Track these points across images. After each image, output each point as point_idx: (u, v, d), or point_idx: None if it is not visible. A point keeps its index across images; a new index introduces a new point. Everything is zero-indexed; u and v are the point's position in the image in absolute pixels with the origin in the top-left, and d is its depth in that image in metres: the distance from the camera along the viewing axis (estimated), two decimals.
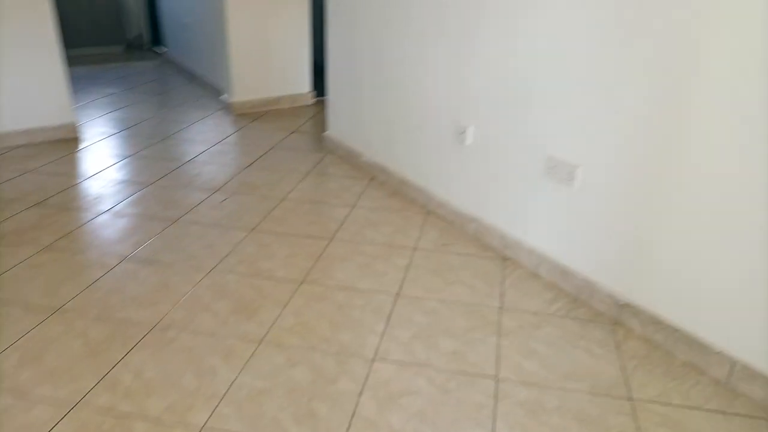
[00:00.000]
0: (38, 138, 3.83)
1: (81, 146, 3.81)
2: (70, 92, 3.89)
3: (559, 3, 2.02)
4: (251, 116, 4.57)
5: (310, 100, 4.94)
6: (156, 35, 7.30)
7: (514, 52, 2.26)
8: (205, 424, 1.56)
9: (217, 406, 1.63)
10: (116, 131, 4.13)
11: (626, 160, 1.91)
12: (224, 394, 1.68)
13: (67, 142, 3.88)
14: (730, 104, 1.58)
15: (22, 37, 3.57)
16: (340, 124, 3.66)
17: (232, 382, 1.72)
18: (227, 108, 4.68)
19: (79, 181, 3.24)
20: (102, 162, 3.53)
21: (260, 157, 3.68)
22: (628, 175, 1.92)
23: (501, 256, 2.50)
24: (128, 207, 2.92)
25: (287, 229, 2.73)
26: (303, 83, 4.88)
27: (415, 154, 2.98)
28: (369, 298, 2.17)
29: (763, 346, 1.65)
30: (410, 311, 2.10)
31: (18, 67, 3.61)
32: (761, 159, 1.54)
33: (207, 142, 3.93)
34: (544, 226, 2.30)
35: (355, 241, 2.61)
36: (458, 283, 2.29)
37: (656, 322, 1.92)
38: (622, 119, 1.89)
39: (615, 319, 2.06)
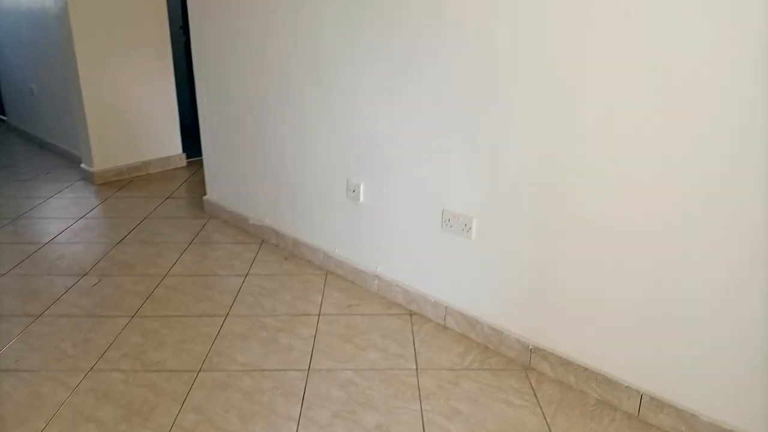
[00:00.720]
0: None
1: None
2: None
3: (434, 71, 2.09)
4: (117, 185, 4.21)
5: (183, 162, 4.68)
6: None
7: (398, 111, 2.28)
8: None
9: None
10: None
11: (518, 209, 1.98)
12: None
13: None
14: (610, 155, 1.70)
15: None
16: (220, 187, 3.47)
17: None
18: (88, 177, 4.27)
19: None
20: None
21: (133, 229, 3.36)
22: (521, 223, 1.98)
23: (407, 311, 2.46)
24: None
25: (175, 310, 2.48)
26: (172, 145, 4.61)
27: (308, 213, 2.89)
28: (278, 379, 2.01)
29: (666, 375, 1.75)
30: (325, 387, 1.97)
31: None
32: (635, 200, 1.66)
33: (68, 219, 3.53)
34: (447, 277, 2.31)
35: (253, 315, 2.44)
36: (370, 347, 2.20)
37: (566, 363, 1.98)
38: (509, 170, 1.96)
39: (527, 365, 2.09)
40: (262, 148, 3.04)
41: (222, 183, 3.44)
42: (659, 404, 1.77)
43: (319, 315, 2.44)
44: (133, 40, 4.17)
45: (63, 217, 3.57)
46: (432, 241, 2.31)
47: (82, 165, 4.33)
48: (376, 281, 2.60)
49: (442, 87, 2.10)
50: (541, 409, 1.86)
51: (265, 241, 3.19)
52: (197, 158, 4.67)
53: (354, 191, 2.58)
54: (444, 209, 2.22)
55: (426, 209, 2.30)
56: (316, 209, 2.83)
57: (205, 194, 3.66)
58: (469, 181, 2.11)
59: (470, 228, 2.15)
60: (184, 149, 4.70)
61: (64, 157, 4.87)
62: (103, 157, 4.23)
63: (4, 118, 6.11)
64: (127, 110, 4.28)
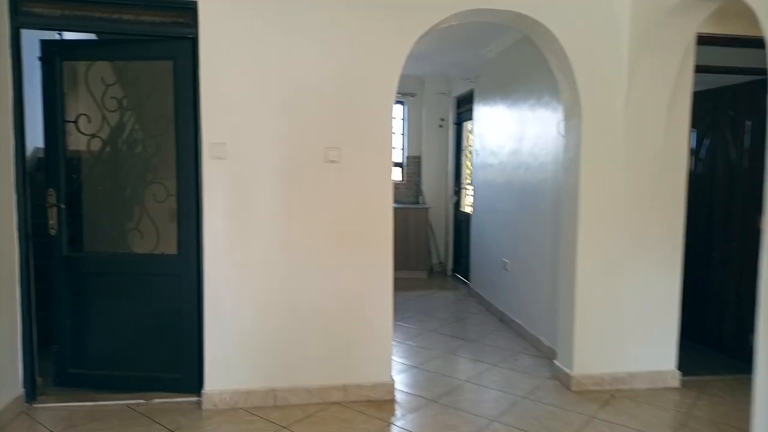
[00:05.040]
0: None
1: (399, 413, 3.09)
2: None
3: None
4: (596, 397, 3.42)
5: (675, 382, 3.63)
6: (458, 264, 7.02)
7: None
8: None
9: None
10: (440, 394, 3.36)
11: None
12: None
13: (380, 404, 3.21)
14: None
15: None
16: None
17: None
18: (562, 379, 3.64)
19: None
20: None
21: None
22: None
23: None
24: None
25: None
26: (664, 357, 3.65)
27: None
28: None
29: None
30: None
31: None
32: None
33: None
34: None
35: None
36: None
37: None
38: None
39: None
40: None
41: None
42: None
43: None
44: (640, 223, 3.53)
45: None
46: None
47: (557, 362, 3.76)
48: None
49: None
50: None
51: None
52: (695, 377, 3.59)
53: None
54: None
55: None
56: None
57: None
58: None
59: None
60: (681, 367, 3.67)
61: (527, 341, 4.47)
62: (584, 360, 3.56)
63: (466, 281, 6.35)
64: (618, 308, 3.58)
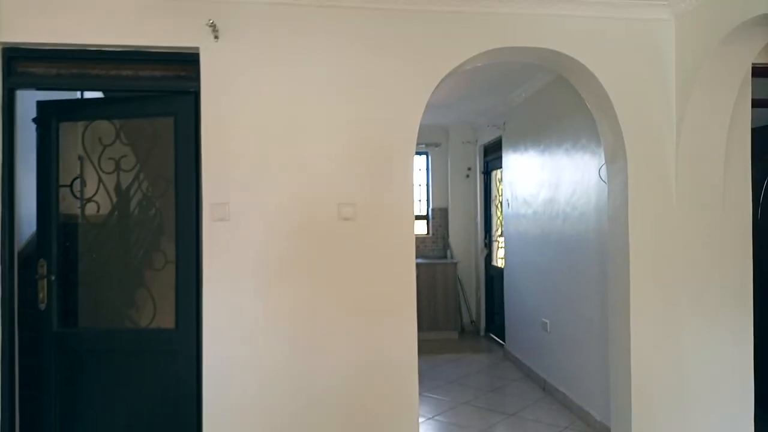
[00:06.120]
0: None
1: None
2: None
3: None
4: None
5: None
6: (492, 323, 6.53)
7: None
8: None
9: None
10: None
11: None
12: None
13: None
14: None
15: None
16: None
17: None
18: None
19: None
20: None
21: None
22: None
23: None
24: None
25: None
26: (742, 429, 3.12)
27: None
28: None
29: None
30: None
31: None
32: None
33: None
34: None
35: None
36: None
37: None
38: None
39: None
40: None
41: None
42: None
43: None
44: (702, 281, 3.07)
45: None
46: None
47: None
48: None
49: None
50: None
51: None
52: None
53: None
54: None
55: None
56: None
57: None
58: None
59: None
60: None
61: (575, 413, 3.94)
62: None
63: (501, 342, 5.85)
64: (680, 381, 3.08)
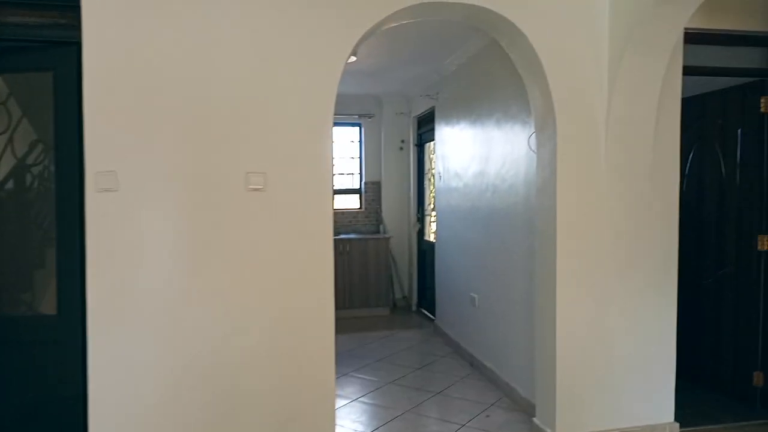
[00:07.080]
0: None
1: None
2: None
3: None
4: None
5: None
6: (423, 298, 6.42)
7: None
8: None
9: None
10: None
11: None
12: None
13: None
14: None
15: None
16: None
17: None
18: None
19: None
20: None
21: None
22: None
23: None
24: None
25: None
26: (662, 406, 3.09)
27: None
28: None
29: None
30: None
31: None
32: None
33: None
34: None
35: None
36: None
37: None
38: None
39: None
40: None
41: None
42: None
43: None
44: (629, 252, 3.00)
45: None
46: None
47: (536, 420, 3.16)
48: None
49: None
50: None
51: None
52: (695, 428, 3.11)
53: None
54: None
55: None
56: None
57: None
58: None
59: None
60: (678, 417, 3.12)
61: (501, 390, 3.86)
62: (568, 418, 2.97)
63: (433, 318, 5.74)
64: (607, 352, 3.02)
